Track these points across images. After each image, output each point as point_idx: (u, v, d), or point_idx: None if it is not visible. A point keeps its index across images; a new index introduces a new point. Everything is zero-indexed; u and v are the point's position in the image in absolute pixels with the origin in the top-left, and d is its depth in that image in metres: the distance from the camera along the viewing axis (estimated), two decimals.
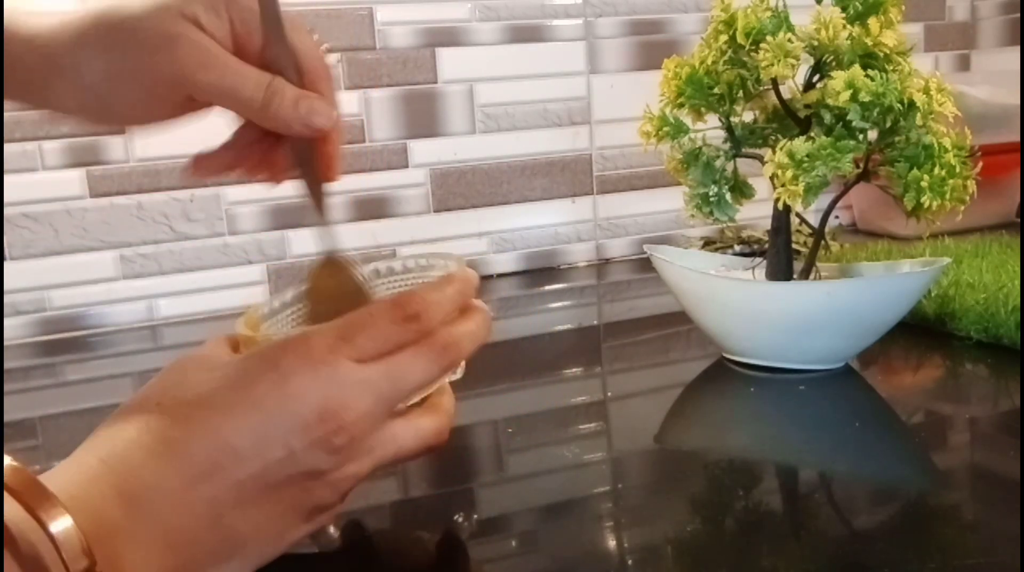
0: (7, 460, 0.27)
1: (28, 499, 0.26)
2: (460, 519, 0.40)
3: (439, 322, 0.35)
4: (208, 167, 0.43)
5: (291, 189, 0.41)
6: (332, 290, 0.40)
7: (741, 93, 0.53)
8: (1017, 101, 0.96)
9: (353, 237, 0.90)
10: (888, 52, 0.50)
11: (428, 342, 0.34)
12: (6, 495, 0.26)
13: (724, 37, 0.52)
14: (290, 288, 0.42)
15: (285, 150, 0.41)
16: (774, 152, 0.49)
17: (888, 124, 0.49)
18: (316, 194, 0.40)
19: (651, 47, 1.00)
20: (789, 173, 0.48)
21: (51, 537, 0.26)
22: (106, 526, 0.28)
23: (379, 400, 0.33)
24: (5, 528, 0.26)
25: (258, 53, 0.38)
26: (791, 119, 0.53)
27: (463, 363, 0.38)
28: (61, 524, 0.26)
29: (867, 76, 0.48)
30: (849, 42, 0.50)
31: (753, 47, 0.51)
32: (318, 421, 0.32)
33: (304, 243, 0.89)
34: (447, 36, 0.92)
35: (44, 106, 0.40)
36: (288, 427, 0.31)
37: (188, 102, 0.38)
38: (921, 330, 0.62)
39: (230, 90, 0.37)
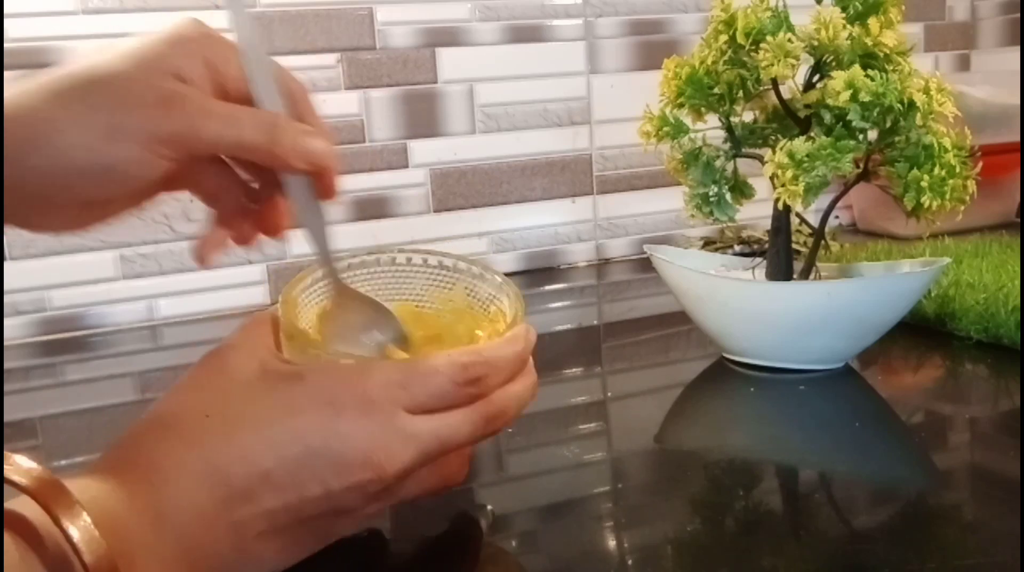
0: (31, 464, 0.27)
1: (48, 502, 0.26)
2: (460, 520, 0.40)
3: (496, 386, 0.35)
4: (210, 251, 0.42)
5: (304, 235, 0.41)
6: (350, 321, 0.40)
7: (741, 93, 0.53)
8: (1017, 101, 0.96)
9: (353, 237, 0.90)
10: (888, 52, 0.50)
11: (480, 408, 0.35)
12: (26, 497, 0.26)
13: (724, 37, 0.52)
14: (319, 262, 0.41)
15: (276, 195, 0.41)
16: (774, 152, 0.49)
17: (888, 124, 0.49)
18: (318, 233, 0.40)
19: (651, 47, 1.00)
20: (789, 173, 0.48)
21: (68, 538, 0.25)
22: (130, 540, 0.28)
23: (421, 455, 0.33)
24: (30, 528, 0.26)
25: (241, 93, 0.38)
26: (791, 119, 0.53)
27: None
28: (80, 527, 0.26)
29: (867, 76, 0.48)
30: (849, 42, 0.50)
31: (753, 47, 0.51)
32: (360, 467, 0.32)
33: (304, 243, 0.89)
34: (447, 36, 0.92)
35: (17, 191, 0.35)
36: (330, 467, 0.31)
37: (182, 159, 0.36)
38: (921, 330, 0.62)
39: (234, 138, 0.36)
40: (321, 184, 0.39)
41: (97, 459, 0.31)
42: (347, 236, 0.90)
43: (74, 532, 0.25)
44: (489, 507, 0.41)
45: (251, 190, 0.42)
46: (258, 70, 0.37)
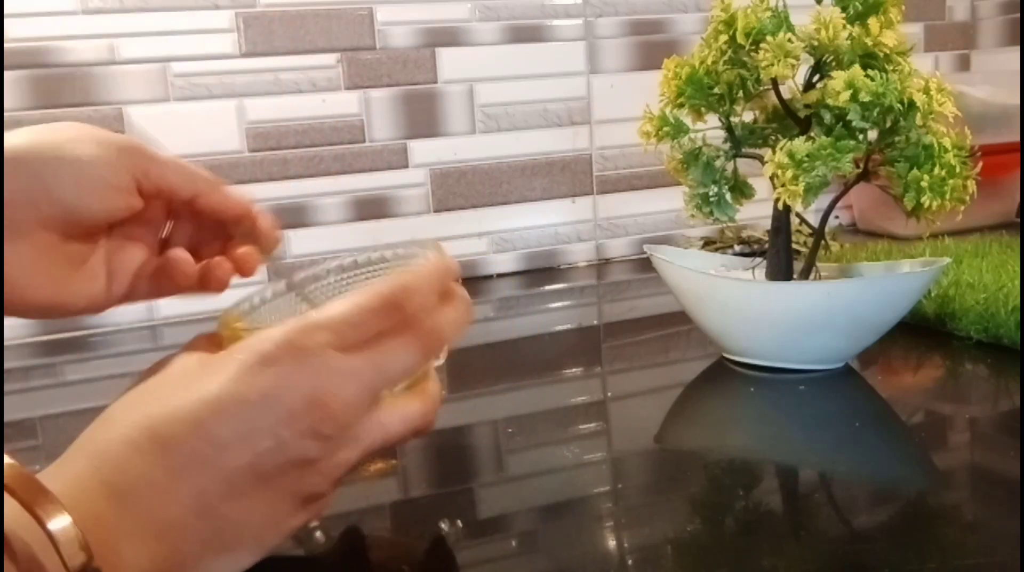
0: (9, 460, 0.27)
1: (26, 497, 0.26)
2: (460, 520, 0.40)
3: (420, 309, 0.35)
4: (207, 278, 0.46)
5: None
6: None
7: (741, 93, 0.53)
8: (1017, 101, 0.96)
9: (353, 237, 0.90)
10: (888, 52, 0.50)
11: (411, 330, 0.35)
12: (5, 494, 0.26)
13: (724, 37, 0.52)
14: (265, 286, 0.42)
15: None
16: (774, 152, 0.49)
17: (888, 124, 0.49)
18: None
19: (651, 47, 1.00)
20: (789, 173, 0.48)
21: (49, 535, 0.26)
22: (98, 522, 0.28)
23: (365, 388, 0.33)
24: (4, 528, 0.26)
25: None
26: (791, 119, 0.53)
27: (446, 348, 0.38)
28: (59, 522, 0.26)
29: (867, 76, 0.48)
30: (849, 42, 0.50)
31: (753, 47, 0.51)
32: (305, 410, 0.32)
33: (304, 243, 0.89)
34: (447, 36, 0.92)
35: None
36: (275, 417, 0.31)
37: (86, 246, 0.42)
38: (921, 330, 0.62)
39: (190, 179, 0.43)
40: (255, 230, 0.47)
41: (48, 467, 0.31)
42: (347, 236, 0.90)
43: (56, 532, 0.26)
44: (458, 522, 0.41)
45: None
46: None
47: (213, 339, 0.38)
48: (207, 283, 0.45)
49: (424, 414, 0.37)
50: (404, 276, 0.36)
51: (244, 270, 0.46)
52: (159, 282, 0.45)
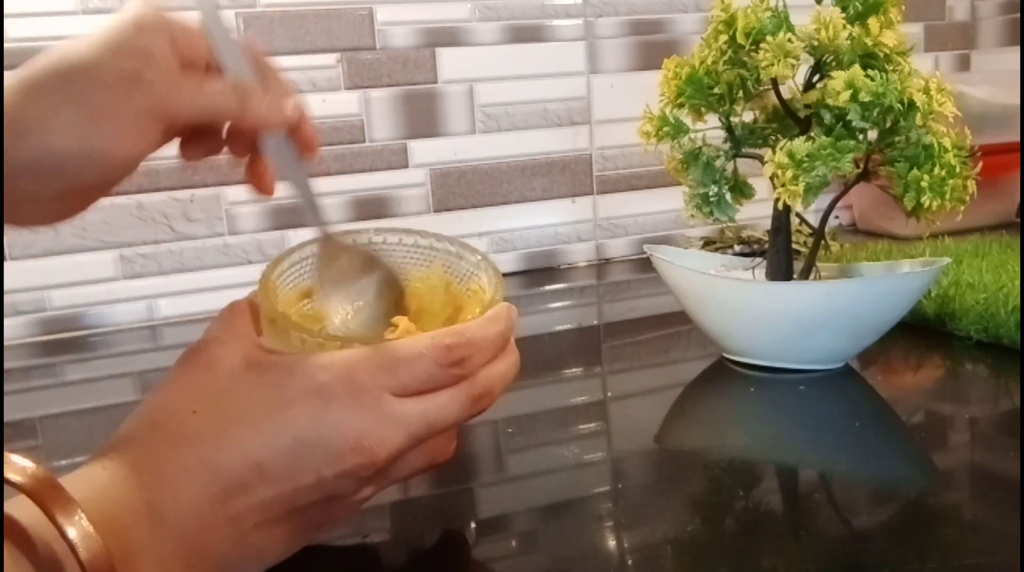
0: (27, 462, 0.27)
1: (45, 501, 0.26)
2: (460, 520, 0.40)
3: (479, 366, 0.35)
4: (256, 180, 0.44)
5: (288, 190, 0.42)
6: (344, 267, 0.41)
7: (741, 93, 0.53)
8: (1017, 101, 0.96)
9: None
10: (888, 52, 0.50)
11: (466, 388, 0.35)
12: (20, 498, 0.26)
13: (724, 37, 0.52)
14: (303, 243, 0.42)
15: (256, 158, 0.43)
16: (774, 152, 0.49)
17: (888, 124, 0.49)
18: (302, 186, 0.41)
19: (651, 47, 1.00)
20: (789, 173, 0.48)
21: (67, 539, 0.25)
22: (127, 539, 0.28)
23: (411, 438, 0.33)
24: (21, 530, 0.26)
25: (208, 63, 0.40)
26: (791, 119, 0.53)
27: None
28: (78, 526, 0.26)
29: (867, 76, 0.48)
30: (849, 42, 0.50)
31: (753, 47, 0.51)
32: (352, 453, 0.32)
33: None
34: (447, 36, 0.92)
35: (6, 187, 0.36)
36: (322, 456, 0.32)
37: (166, 131, 0.39)
38: (921, 330, 0.62)
39: (206, 107, 0.39)
40: (299, 139, 0.42)
41: (89, 459, 0.31)
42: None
43: (71, 530, 0.25)
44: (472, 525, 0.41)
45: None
46: (221, 40, 0.40)
47: (250, 312, 0.37)
48: (259, 182, 0.44)
49: (445, 447, 0.37)
50: (472, 329, 0.35)
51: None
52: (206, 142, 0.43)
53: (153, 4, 0.39)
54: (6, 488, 0.26)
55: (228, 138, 0.43)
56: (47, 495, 0.26)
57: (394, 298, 0.42)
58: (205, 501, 0.30)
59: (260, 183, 0.44)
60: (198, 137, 0.42)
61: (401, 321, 0.38)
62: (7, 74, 0.36)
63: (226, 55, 0.40)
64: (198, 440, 0.31)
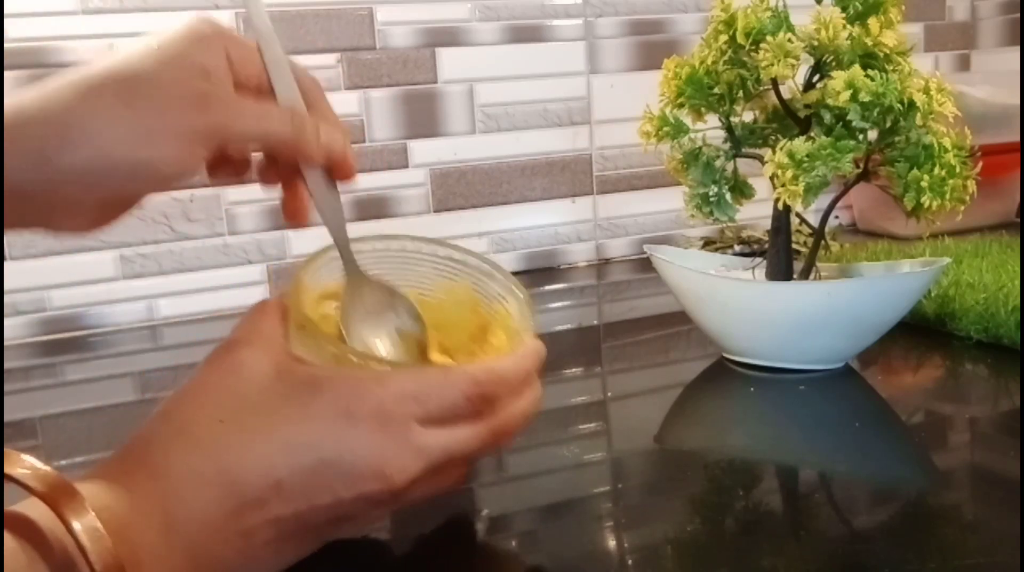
0: (42, 466, 0.27)
1: (58, 504, 0.26)
2: (460, 520, 0.40)
3: (503, 402, 0.35)
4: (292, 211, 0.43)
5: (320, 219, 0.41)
6: (368, 300, 0.40)
7: (741, 93, 0.53)
8: (1017, 101, 0.96)
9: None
10: (888, 52, 0.50)
11: (489, 423, 0.35)
12: (35, 499, 0.26)
13: (724, 37, 0.52)
14: (328, 248, 0.41)
15: (297, 183, 0.41)
16: (774, 152, 0.49)
17: (888, 124, 0.49)
18: (334, 218, 0.40)
19: (651, 47, 1.00)
20: (789, 173, 0.48)
21: (76, 540, 0.25)
22: (138, 544, 0.28)
23: (429, 467, 0.33)
24: (38, 531, 0.26)
25: (259, 87, 0.39)
26: (791, 119, 0.53)
27: None
28: (89, 530, 0.26)
29: (867, 76, 0.48)
30: (849, 42, 0.50)
31: (753, 47, 0.51)
32: (372, 479, 0.32)
33: (304, 243, 0.89)
34: (447, 36, 0.92)
35: (46, 191, 0.34)
36: (341, 478, 0.32)
37: (214, 153, 0.38)
38: (921, 330, 0.62)
39: (263, 132, 0.38)
40: (338, 170, 0.41)
41: (107, 460, 0.31)
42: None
43: (83, 535, 0.26)
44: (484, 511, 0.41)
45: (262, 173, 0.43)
46: (275, 64, 0.39)
47: (280, 313, 0.37)
48: (298, 214, 0.43)
49: (458, 475, 0.37)
50: (502, 366, 0.36)
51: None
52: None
53: (210, 21, 0.38)
54: (18, 489, 0.26)
55: (264, 165, 0.42)
56: (61, 500, 0.26)
57: (419, 329, 0.41)
58: (219, 513, 0.30)
59: (299, 215, 0.42)
60: (227, 159, 0.41)
61: (435, 355, 0.38)
62: (54, 77, 0.35)
63: (279, 79, 0.39)
64: (219, 451, 0.31)
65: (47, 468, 0.27)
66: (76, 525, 0.26)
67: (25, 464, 0.27)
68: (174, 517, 0.29)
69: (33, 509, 0.26)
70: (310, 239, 0.88)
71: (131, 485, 0.29)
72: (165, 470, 0.30)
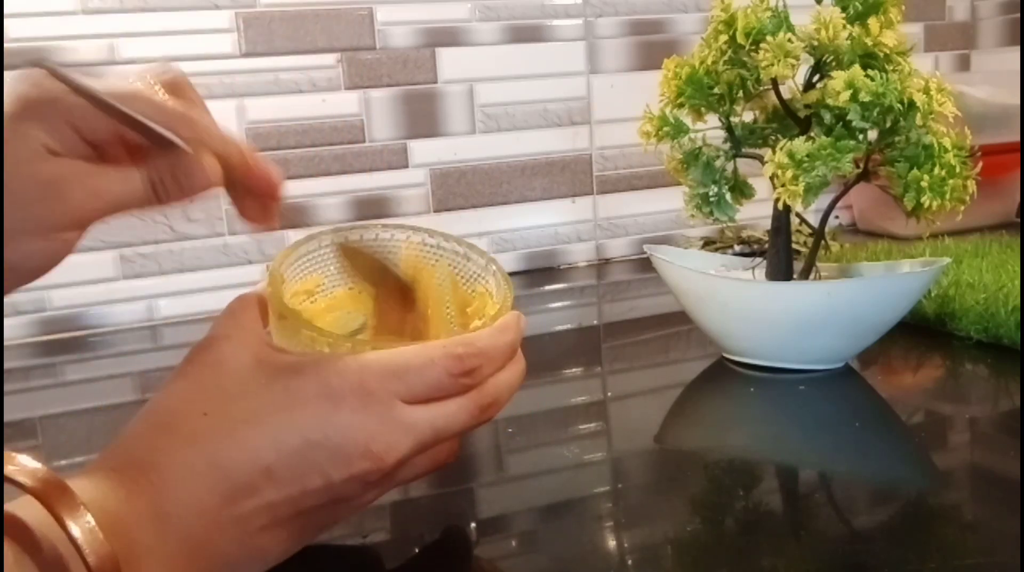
0: (34, 464, 0.27)
1: (52, 503, 0.26)
2: (460, 520, 0.40)
3: (489, 376, 0.35)
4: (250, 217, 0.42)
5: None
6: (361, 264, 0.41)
7: (741, 93, 0.53)
8: (1017, 101, 0.96)
9: None
10: (888, 52, 0.50)
11: (475, 397, 0.35)
12: (26, 498, 0.26)
13: (724, 37, 0.52)
14: (310, 236, 0.41)
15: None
16: (774, 152, 0.49)
17: (888, 124, 0.49)
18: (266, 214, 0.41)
19: (651, 47, 1.00)
20: (789, 173, 0.48)
21: (73, 541, 0.25)
22: (133, 540, 0.28)
23: (419, 445, 0.33)
24: (27, 530, 0.26)
25: (110, 133, 0.36)
26: (791, 119, 0.53)
27: None
28: (84, 528, 0.26)
29: (867, 76, 0.48)
30: (849, 42, 0.50)
31: (753, 47, 0.51)
32: (360, 458, 0.32)
33: None
34: (447, 36, 0.92)
35: None
36: (331, 460, 0.32)
37: (82, 231, 0.37)
38: (921, 330, 0.62)
39: (122, 206, 0.36)
40: (253, 183, 0.40)
41: (96, 459, 0.31)
42: None
43: (77, 532, 0.25)
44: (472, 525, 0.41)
45: None
46: (113, 104, 0.35)
47: (258, 306, 0.37)
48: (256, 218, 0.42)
49: (449, 450, 0.37)
50: (483, 338, 0.35)
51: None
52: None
53: (39, 83, 0.35)
54: (11, 488, 0.26)
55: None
56: (54, 497, 0.26)
57: (406, 303, 0.42)
58: (211, 503, 0.30)
59: (261, 219, 0.42)
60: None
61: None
62: None
63: (131, 115, 0.35)
64: (205, 442, 0.31)
65: (38, 465, 0.27)
66: (70, 521, 0.26)
67: (16, 461, 0.27)
68: (167, 510, 0.29)
69: (22, 508, 0.26)
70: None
71: (121, 481, 0.29)
72: (152, 464, 0.30)
